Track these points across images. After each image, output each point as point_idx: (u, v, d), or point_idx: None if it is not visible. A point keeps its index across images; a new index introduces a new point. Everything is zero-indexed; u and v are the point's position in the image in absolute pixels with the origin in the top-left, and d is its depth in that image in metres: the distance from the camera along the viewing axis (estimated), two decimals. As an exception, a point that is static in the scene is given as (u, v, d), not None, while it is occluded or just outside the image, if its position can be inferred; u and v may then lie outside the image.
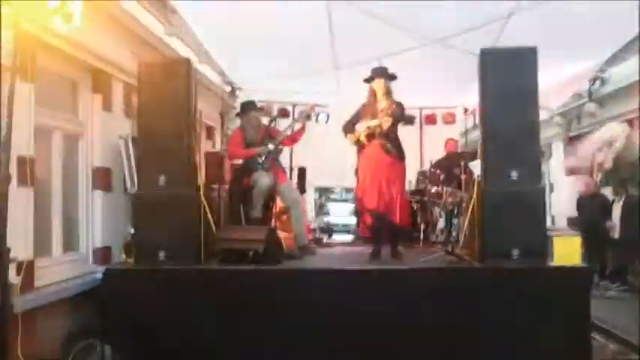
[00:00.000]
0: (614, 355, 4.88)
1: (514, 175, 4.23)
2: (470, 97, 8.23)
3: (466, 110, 6.62)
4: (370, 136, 4.97)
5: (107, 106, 4.94)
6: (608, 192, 8.42)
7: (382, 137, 4.96)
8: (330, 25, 5.75)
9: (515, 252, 4.16)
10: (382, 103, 5.05)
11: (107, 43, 4.73)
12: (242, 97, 8.45)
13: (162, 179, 4.36)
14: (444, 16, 5.45)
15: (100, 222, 4.81)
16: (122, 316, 4.16)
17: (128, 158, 4.98)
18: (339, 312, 4.00)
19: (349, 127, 5.14)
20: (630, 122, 8.08)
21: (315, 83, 8.12)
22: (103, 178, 4.87)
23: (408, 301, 4.01)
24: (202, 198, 4.56)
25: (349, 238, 7.20)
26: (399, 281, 4.12)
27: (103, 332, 4.31)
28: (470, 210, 4.43)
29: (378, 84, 5.06)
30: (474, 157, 6.07)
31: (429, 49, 6.31)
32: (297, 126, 5.64)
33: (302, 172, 6.94)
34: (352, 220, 9.65)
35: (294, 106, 8.44)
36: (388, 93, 5.08)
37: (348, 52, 6.59)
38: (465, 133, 6.53)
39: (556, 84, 9.26)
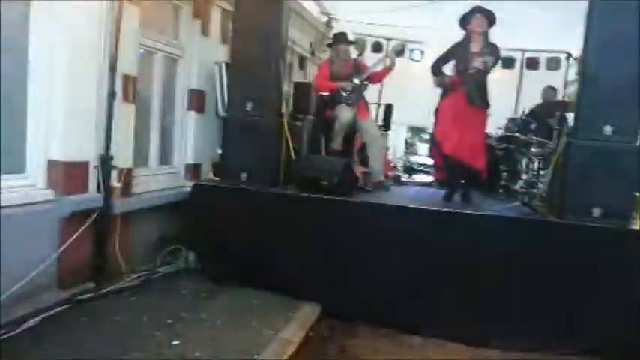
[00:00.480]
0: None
1: (607, 130, 3.96)
2: (577, 42, 7.65)
3: (569, 56, 6.13)
4: (456, 81, 4.82)
5: (206, 32, 5.18)
6: None
7: (469, 86, 4.77)
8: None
9: (597, 211, 3.98)
10: (475, 46, 4.83)
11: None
12: (338, 28, 8.44)
13: (249, 105, 4.59)
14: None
15: (192, 141, 5.21)
16: (206, 227, 4.57)
17: (221, 83, 5.26)
18: (400, 247, 4.12)
19: (437, 68, 5.00)
20: None
21: (412, 18, 7.92)
22: (197, 100, 5.21)
23: (471, 246, 4.02)
24: (285, 126, 4.76)
25: (430, 178, 7.16)
26: (461, 225, 4.12)
27: (188, 239, 4.79)
28: (554, 162, 4.24)
29: (474, 25, 4.81)
30: (571, 108, 5.68)
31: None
32: (387, 62, 5.57)
33: (388, 108, 6.90)
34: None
35: (387, 40, 8.28)
36: (484, 35, 4.83)
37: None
38: (565, 82, 6.08)
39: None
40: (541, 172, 5.95)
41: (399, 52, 5.80)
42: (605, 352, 3.76)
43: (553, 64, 7.65)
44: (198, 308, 3.86)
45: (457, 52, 4.92)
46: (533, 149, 5.96)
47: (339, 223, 4.26)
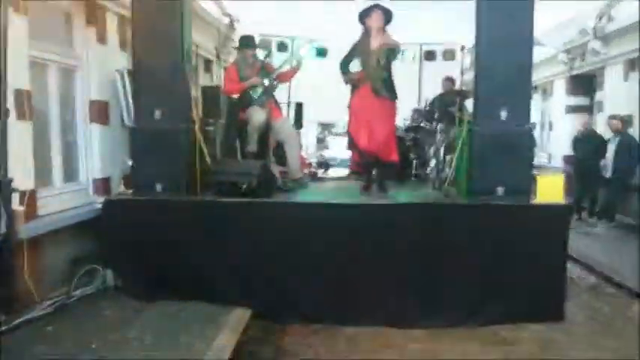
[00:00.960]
0: (591, 288, 5.13)
1: (503, 115, 4.29)
2: (471, 34, 8.19)
3: (463, 48, 6.55)
4: (361, 77, 4.98)
5: (102, 39, 4.93)
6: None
7: (373, 79, 4.95)
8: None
9: (500, 190, 4.30)
10: (375, 41, 5.01)
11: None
12: (240, 29, 8.37)
13: (158, 113, 4.44)
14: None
15: (98, 154, 4.94)
16: (122, 243, 4.38)
17: (125, 92, 5.04)
18: (324, 243, 4.21)
19: (345, 67, 5.14)
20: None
21: (314, 15, 8.05)
22: (100, 111, 4.95)
23: (390, 234, 4.19)
24: (198, 132, 4.67)
25: (345, 172, 7.32)
26: (384, 215, 4.29)
27: (104, 258, 4.55)
28: (459, 148, 4.52)
29: (373, 20, 4.99)
30: (469, 95, 6.08)
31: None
32: (293, 62, 5.62)
33: (299, 107, 6.97)
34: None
35: (292, 40, 8.34)
36: (382, 30, 5.03)
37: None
38: (462, 71, 6.49)
39: (563, 20, 9.11)
40: (447, 158, 6.34)
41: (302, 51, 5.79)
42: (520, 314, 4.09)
43: (449, 55, 8.12)
44: (124, 328, 3.70)
45: (359, 49, 5.07)
46: (437, 137, 6.33)
47: (262, 225, 4.27)
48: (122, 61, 5.27)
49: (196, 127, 4.68)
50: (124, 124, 5.14)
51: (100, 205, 4.58)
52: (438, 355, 3.67)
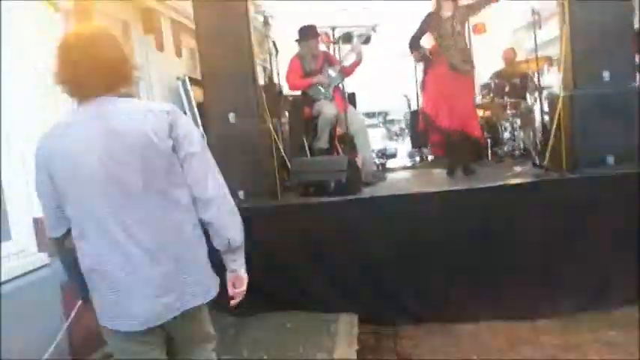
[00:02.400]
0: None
1: (606, 75, 3.94)
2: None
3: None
4: (435, 50, 4.68)
5: (160, 47, 4.73)
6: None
7: (449, 52, 4.65)
8: None
9: (611, 159, 3.96)
10: (447, 12, 4.69)
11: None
12: (276, 25, 8.09)
13: (232, 116, 4.20)
14: None
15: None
16: (211, 256, 4.14)
17: (188, 98, 4.83)
18: (428, 235, 3.92)
19: (415, 43, 4.83)
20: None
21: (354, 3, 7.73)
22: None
23: (501, 218, 3.88)
24: (274, 132, 4.42)
25: (403, 162, 7.03)
26: (490, 199, 3.98)
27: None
28: (556, 117, 4.17)
29: None
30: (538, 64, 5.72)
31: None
32: (355, 55, 5.29)
33: (351, 97, 6.67)
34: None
35: (332, 29, 8.01)
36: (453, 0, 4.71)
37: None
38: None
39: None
40: (518, 133, 6.00)
41: (367, 41, 5.44)
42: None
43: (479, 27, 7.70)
44: (234, 347, 3.46)
45: (431, 22, 4.77)
46: (508, 111, 5.99)
47: (359, 223, 3.99)
48: (178, 67, 5.07)
49: (271, 127, 4.43)
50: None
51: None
52: (581, 347, 3.34)
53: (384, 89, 9.26)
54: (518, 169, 4.51)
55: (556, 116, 4.17)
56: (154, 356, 1.86)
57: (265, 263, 4.05)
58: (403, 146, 10.83)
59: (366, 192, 4.44)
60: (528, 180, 4.18)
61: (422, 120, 5.02)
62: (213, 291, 1.94)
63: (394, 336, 3.80)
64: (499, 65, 6.80)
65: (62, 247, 1.89)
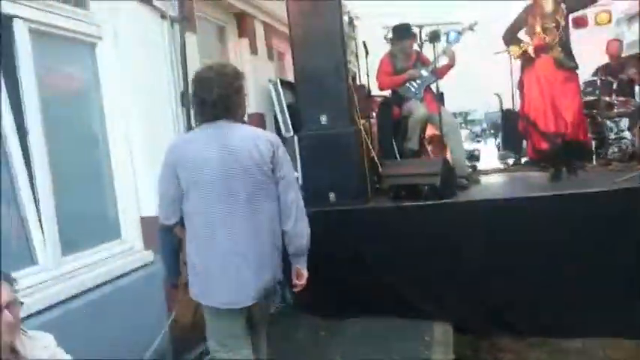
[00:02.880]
0: None
1: None
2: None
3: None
4: (539, 46, 4.39)
5: (254, 50, 4.81)
6: None
7: (553, 48, 4.36)
8: None
9: None
10: (548, 7, 4.40)
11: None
12: (362, 26, 8.02)
13: (324, 119, 4.18)
14: None
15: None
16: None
17: (279, 102, 4.88)
18: (527, 242, 3.68)
19: (512, 37, 4.57)
20: None
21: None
22: (258, 125, 4.80)
23: (612, 225, 3.57)
24: (364, 134, 4.36)
25: (492, 164, 6.69)
26: (599, 204, 3.67)
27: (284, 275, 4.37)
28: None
29: None
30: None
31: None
32: (447, 58, 5.09)
33: (440, 97, 6.45)
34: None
35: (419, 28, 7.81)
36: None
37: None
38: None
39: None
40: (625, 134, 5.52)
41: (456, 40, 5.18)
42: None
43: (604, 18, 7.18)
44: (332, 350, 3.44)
45: (529, 15, 4.48)
46: (615, 110, 5.53)
47: (454, 228, 3.83)
48: (270, 70, 5.13)
49: (362, 128, 4.37)
50: (282, 135, 4.98)
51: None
52: None
53: (463, 89, 8.92)
54: (631, 173, 4.12)
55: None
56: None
57: (356, 267, 4.02)
58: (486, 147, 10.44)
59: (461, 196, 4.27)
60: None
61: (522, 122, 4.73)
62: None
63: (491, 348, 3.62)
64: (601, 61, 6.31)
65: (170, 234, 2.31)
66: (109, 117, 3.06)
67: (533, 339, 3.60)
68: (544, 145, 4.46)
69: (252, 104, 4.78)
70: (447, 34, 5.38)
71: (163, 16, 3.35)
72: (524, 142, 6.32)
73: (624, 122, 5.54)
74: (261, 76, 4.90)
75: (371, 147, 4.41)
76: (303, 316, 4.16)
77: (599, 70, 5.82)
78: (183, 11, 3.40)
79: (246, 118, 4.64)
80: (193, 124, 3.46)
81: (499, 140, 10.53)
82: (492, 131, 15.13)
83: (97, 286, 2.73)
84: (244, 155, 2.15)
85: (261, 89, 4.88)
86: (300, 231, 2.38)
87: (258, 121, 4.78)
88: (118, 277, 2.88)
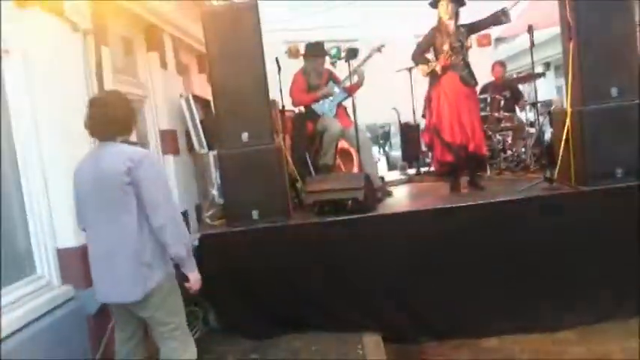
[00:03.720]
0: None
1: (614, 91, 4.05)
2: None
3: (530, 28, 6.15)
4: (446, 66, 4.73)
5: (163, 64, 4.59)
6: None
7: (457, 67, 4.72)
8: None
9: (620, 171, 4.06)
10: (451, 29, 4.77)
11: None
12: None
13: (245, 136, 4.11)
14: None
15: (176, 187, 4.59)
16: (225, 280, 4.03)
17: (192, 118, 4.70)
18: (445, 251, 3.92)
19: (420, 56, 4.87)
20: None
21: (340, 17, 7.75)
22: (170, 141, 4.60)
23: (518, 231, 3.93)
24: (285, 150, 4.36)
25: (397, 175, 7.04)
26: (506, 212, 4.02)
27: (206, 298, 4.20)
28: (565, 132, 4.26)
29: (443, 7, 4.74)
30: (528, 79, 5.89)
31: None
32: (355, 78, 5.25)
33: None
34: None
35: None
36: (455, 17, 4.78)
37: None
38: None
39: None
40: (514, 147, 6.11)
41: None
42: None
43: (484, 40, 7.86)
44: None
45: (435, 37, 4.81)
46: (502, 125, 6.11)
47: (377, 241, 3.96)
48: (180, 85, 4.94)
49: (282, 144, 4.37)
50: (193, 151, 4.81)
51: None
52: (609, 357, 3.40)
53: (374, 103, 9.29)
54: (527, 183, 4.58)
55: (565, 131, 4.26)
56: None
57: (284, 283, 3.99)
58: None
59: (382, 208, 4.42)
60: (542, 193, 4.24)
61: (428, 134, 5.04)
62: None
63: (419, 353, 3.78)
64: (482, 79, 6.93)
65: None
66: (18, 139, 2.73)
67: (455, 342, 3.82)
68: (449, 157, 4.78)
69: (164, 120, 4.57)
70: (346, 50, 5.57)
71: (76, 29, 3.07)
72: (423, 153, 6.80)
73: (510, 136, 6.15)
74: (171, 91, 4.69)
75: (292, 164, 4.40)
76: (230, 339, 4.03)
77: (487, 88, 6.38)
78: (97, 22, 3.15)
79: (158, 136, 4.50)
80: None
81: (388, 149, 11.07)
82: (382, 141, 16.03)
83: (13, 333, 2.41)
84: (109, 173, 2.39)
85: (172, 105, 4.67)
86: (173, 242, 2.47)
87: (170, 137, 4.57)
88: (35, 320, 2.56)
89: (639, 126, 4.05)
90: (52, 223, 2.83)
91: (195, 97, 4.89)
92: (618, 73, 4.06)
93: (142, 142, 4.34)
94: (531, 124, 6.38)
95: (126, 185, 2.38)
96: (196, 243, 4.06)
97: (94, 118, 2.44)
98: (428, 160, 6.66)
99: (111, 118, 2.45)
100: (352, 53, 5.08)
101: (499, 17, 4.72)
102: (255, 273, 4.01)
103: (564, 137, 4.29)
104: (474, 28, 4.88)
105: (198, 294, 2.83)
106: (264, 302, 4.02)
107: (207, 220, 4.50)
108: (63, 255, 2.85)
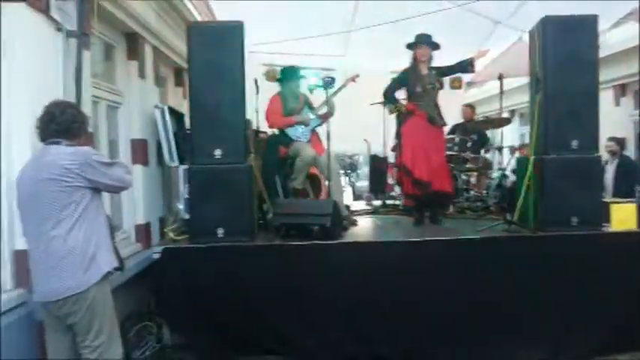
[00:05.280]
0: None
1: (575, 143, 4.27)
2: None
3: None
4: (414, 107, 4.90)
5: (142, 74, 4.57)
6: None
7: (426, 107, 4.90)
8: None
9: (575, 219, 4.25)
10: (424, 71, 4.97)
11: (135, 1, 4.28)
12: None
13: (218, 152, 4.11)
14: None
15: (141, 198, 4.52)
16: (183, 297, 3.97)
17: (166, 129, 4.67)
18: (405, 283, 3.98)
19: (391, 95, 5.04)
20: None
21: (320, 46, 7.90)
22: (141, 151, 4.55)
23: (477, 269, 4.04)
24: (256, 170, 4.37)
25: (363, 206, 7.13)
26: (465, 251, 4.13)
27: (159, 314, 4.12)
28: (528, 178, 4.44)
29: (422, 51, 4.94)
30: (501, 123, 6.12)
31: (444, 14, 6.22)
32: (325, 108, 5.35)
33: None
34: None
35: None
36: (429, 60, 5.00)
37: (367, 14, 6.42)
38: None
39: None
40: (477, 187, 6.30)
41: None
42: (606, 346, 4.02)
43: (456, 83, 8.13)
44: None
45: (409, 77, 4.99)
46: (468, 165, 6.30)
47: (343, 268, 3.99)
48: (157, 96, 4.92)
49: (253, 165, 4.38)
50: (165, 164, 4.77)
51: (146, 255, 4.18)
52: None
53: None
54: (488, 223, 4.74)
55: (527, 177, 4.45)
56: None
57: (240, 304, 3.96)
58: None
59: (346, 237, 4.47)
60: (500, 235, 4.39)
61: (398, 170, 5.17)
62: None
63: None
64: (452, 120, 7.16)
65: None
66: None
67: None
68: (416, 193, 4.91)
69: (136, 130, 4.52)
70: (324, 79, 5.69)
71: (59, 29, 3.04)
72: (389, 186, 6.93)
73: (475, 176, 6.35)
74: (147, 101, 4.66)
75: (262, 185, 4.42)
76: (183, 357, 3.95)
77: (456, 129, 6.59)
78: (82, 26, 3.13)
79: (129, 145, 4.44)
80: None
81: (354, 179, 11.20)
82: (349, 171, 16.21)
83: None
84: (48, 175, 2.41)
85: (146, 115, 4.63)
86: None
87: (141, 147, 4.52)
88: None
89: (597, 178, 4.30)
90: (12, 223, 2.74)
91: (170, 110, 4.86)
92: (580, 127, 4.31)
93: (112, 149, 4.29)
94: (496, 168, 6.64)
95: (67, 185, 2.42)
96: (157, 256, 4.02)
97: (41, 120, 2.51)
98: (393, 194, 6.80)
99: (58, 122, 2.49)
100: (329, 82, 5.18)
101: (466, 67, 5.01)
102: (214, 291, 3.97)
103: (525, 182, 4.49)
104: (443, 72, 5.08)
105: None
106: (221, 322, 3.98)
107: (170, 234, 4.43)
108: (19, 257, 2.76)
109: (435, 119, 4.89)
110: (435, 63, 5.09)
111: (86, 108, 3.35)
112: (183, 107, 5.23)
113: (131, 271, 4.00)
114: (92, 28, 3.35)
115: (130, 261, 4.11)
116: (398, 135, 5.12)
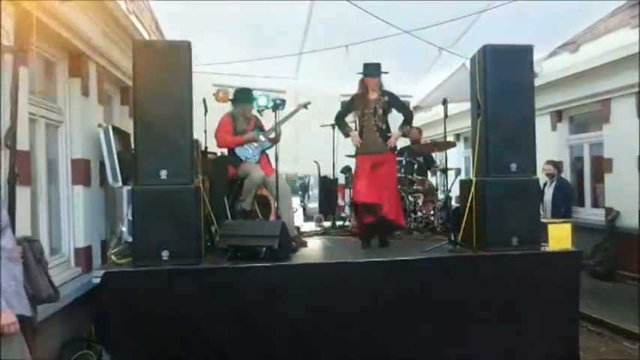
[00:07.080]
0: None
1: (514, 166, 4.45)
2: (422, 88, 8.56)
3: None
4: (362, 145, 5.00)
5: (85, 92, 4.44)
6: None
7: (376, 132, 5.00)
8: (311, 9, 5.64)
9: (515, 240, 4.40)
10: (373, 95, 5.08)
11: (81, 19, 4.20)
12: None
13: (164, 173, 4.02)
14: (415, 8, 5.52)
15: (81, 220, 4.36)
16: (126, 322, 3.83)
17: (109, 149, 4.55)
18: (353, 304, 4.01)
19: (341, 120, 5.12)
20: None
21: (271, 68, 7.95)
22: (82, 171, 4.40)
23: (420, 289, 4.12)
24: (203, 192, 4.31)
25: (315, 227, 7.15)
26: (411, 271, 4.20)
27: (99, 341, 3.96)
28: (469, 200, 4.58)
29: (372, 81, 5.05)
30: (446, 146, 6.30)
31: (393, 38, 6.41)
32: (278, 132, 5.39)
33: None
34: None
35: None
36: (378, 87, 5.12)
37: (317, 37, 6.52)
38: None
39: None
40: (423, 209, 6.44)
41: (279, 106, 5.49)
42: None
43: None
44: None
45: (358, 102, 5.09)
46: (414, 187, 6.44)
47: (291, 290, 3.97)
48: (100, 115, 4.80)
49: (201, 186, 4.32)
50: (107, 184, 4.63)
51: (86, 280, 4.03)
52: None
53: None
54: (434, 244, 4.84)
55: (469, 199, 4.59)
56: None
57: (185, 328, 3.86)
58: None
59: (294, 258, 4.45)
60: (445, 255, 4.49)
61: (352, 195, 5.24)
62: None
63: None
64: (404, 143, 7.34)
65: None
66: None
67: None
68: (368, 219, 4.96)
69: (78, 149, 4.38)
70: (274, 101, 5.73)
71: (-6, 44, 2.93)
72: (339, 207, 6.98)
73: (421, 198, 6.48)
74: (90, 119, 4.53)
75: (209, 206, 4.35)
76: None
77: (404, 151, 6.74)
78: (19, 41, 3.03)
79: (70, 165, 4.28)
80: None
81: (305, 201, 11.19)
82: (300, 192, 16.29)
83: None
84: None
85: (89, 134, 4.50)
86: None
87: (82, 167, 4.37)
88: None
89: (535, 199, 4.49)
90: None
91: (115, 129, 4.74)
92: (518, 150, 4.49)
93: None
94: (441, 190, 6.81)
95: None
96: (98, 281, 3.87)
97: None
98: (344, 214, 6.84)
99: None
100: (279, 104, 5.21)
101: (404, 128, 5.22)
102: (157, 316, 3.86)
103: (468, 204, 4.63)
104: (391, 104, 5.15)
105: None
106: (164, 349, 3.85)
107: (113, 258, 4.27)
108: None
109: (380, 147, 4.98)
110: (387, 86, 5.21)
111: (22, 125, 3.24)
112: (130, 127, 5.12)
113: (69, 297, 3.86)
114: (31, 44, 3.22)
115: (68, 286, 3.97)
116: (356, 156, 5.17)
